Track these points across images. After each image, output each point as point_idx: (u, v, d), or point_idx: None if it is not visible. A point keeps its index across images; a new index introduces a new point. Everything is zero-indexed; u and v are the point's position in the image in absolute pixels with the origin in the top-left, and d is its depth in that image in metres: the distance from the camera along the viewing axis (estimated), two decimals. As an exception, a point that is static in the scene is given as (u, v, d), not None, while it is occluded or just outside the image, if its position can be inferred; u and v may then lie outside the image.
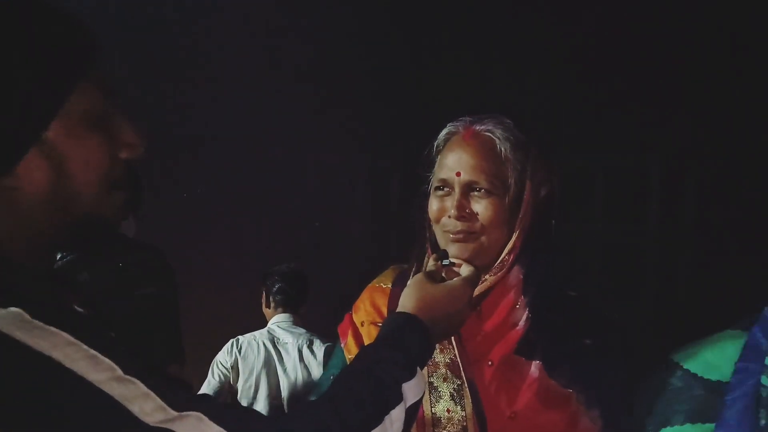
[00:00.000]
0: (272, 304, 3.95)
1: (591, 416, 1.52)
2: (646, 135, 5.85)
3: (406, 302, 1.36)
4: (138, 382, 0.99)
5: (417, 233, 1.68)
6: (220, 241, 5.53)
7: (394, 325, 1.30)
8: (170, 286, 2.83)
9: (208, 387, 3.74)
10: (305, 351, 3.71)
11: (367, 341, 1.65)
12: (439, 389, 1.56)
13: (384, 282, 1.73)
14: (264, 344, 3.76)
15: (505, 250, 1.58)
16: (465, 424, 1.52)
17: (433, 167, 1.67)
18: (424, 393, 1.27)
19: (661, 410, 1.38)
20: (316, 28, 5.37)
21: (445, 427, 1.54)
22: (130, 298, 2.67)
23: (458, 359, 1.55)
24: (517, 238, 1.58)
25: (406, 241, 1.74)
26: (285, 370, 3.67)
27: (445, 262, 1.52)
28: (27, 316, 0.98)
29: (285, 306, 3.92)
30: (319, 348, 3.76)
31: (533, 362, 1.53)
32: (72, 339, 0.98)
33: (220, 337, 3.91)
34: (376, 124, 5.59)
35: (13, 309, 0.98)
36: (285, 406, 3.63)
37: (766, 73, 4.95)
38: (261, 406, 3.65)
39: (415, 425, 1.53)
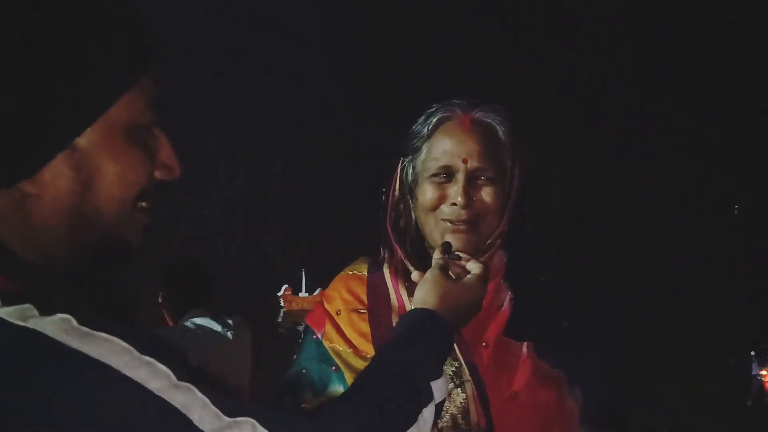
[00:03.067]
0: (171, 307, 3.52)
1: (574, 395, 1.57)
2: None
3: (427, 298, 1.33)
4: (193, 388, 0.94)
5: (381, 223, 1.66)
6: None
7: (419, 323, 1.28)
8: None
9: None
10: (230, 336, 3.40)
11: (347, 329, 1.62)
12: None
13: (358, 270, 1.70)
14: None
15: (495, 234, 1.59)
16: (467, 405, 1.52)
17: (417, 153, 1.62)
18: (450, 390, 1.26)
19: None
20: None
21: (448, 410, 1.52)
22: None
23: (453, 342, 1.53)
24: (506, 222, 1.59)
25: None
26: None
27: (452, 256, 1.49)
28: (75, 323, 0.90)
29: (189, 305, 3.45)
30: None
31: (523, 344, 1.56)
32: (126, 346, 0.91)
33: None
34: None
35: (61, 315, 0.90)
36: None
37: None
38: None
39: None
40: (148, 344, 0.94)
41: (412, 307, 1.34)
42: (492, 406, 1.51)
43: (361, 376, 1.19)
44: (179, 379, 0.93)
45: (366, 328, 1.60)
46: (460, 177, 1.54)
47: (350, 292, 1.66)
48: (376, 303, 1.62)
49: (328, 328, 1.64)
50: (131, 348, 0.91)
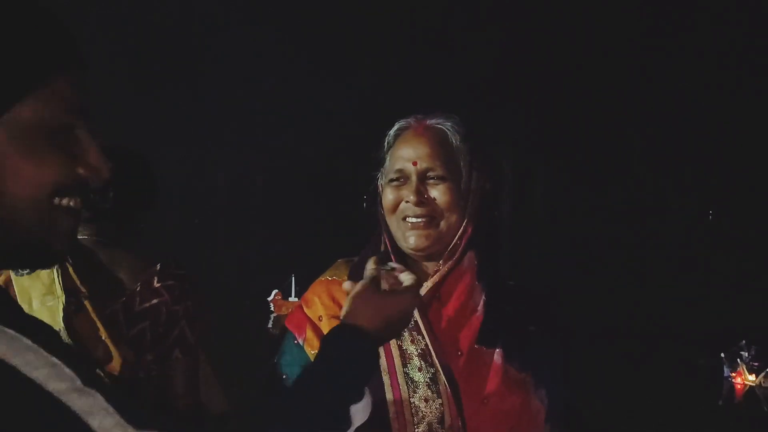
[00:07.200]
0: None
1: (539, 396, 1.67)
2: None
3: (355, 311, 1.30)
4: (98, 395, 0.91)
5: (374, 229, 1.74)
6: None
7: (344, 343, 1.25)
8: None
9: None
10: None
11: None
12: (415, 379, 1.62)
13: (338, 275, 1.73)
14: None
15: (457, 236, 1.67)
16: (442, 410, 1.59)
17: (383, 164, 1.73)
18: (369, 415, 1.24)
19: None
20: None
21: (425, 416, 1.60)
22: None
23: (430, 348, 1.62)
24: (467, 223, 1.68)
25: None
26: None
27: (387, 267, 1.47)
28: None
29: None
30: None
31: (495, 351, 1.65)
32: (31, 344, 0.90)
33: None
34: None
35: None
36: None
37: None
38: None
39: (396, 417, 1.59)
40: (59, 346, 0.93)
41: (340, 322, 1.30)
42: (465, 410, 1.59)
43: (281, 400, 1.19)
44: (85, 383, 0.91)
45: None
46: (413, 178, 1.66)
47: (331, 298, 1.70)
48: None
49: (309, 333, 1.68)
50: (38, 347, 0.90)
